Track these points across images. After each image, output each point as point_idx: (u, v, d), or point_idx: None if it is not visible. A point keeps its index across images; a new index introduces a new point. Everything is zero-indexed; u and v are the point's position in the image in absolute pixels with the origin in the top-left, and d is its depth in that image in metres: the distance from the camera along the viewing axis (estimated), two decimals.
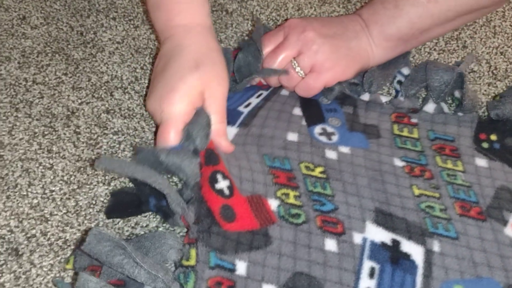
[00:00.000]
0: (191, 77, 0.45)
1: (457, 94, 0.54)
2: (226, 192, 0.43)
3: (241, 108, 0.52)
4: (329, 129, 0.51)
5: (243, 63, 0.51)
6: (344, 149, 0.49)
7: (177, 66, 0.46)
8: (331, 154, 0.49)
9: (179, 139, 0.44)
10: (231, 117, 0.50)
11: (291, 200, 0.45)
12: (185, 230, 0.44)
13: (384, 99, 0.55)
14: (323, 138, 0.50)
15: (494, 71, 0.60)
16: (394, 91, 0.57)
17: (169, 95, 0.44)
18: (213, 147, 0.46)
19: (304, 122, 0.51)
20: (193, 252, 0.40)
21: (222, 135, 0.47)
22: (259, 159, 0.47)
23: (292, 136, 0.50)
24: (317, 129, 0.51)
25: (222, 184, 0.43)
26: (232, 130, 0.50)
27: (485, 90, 0.58)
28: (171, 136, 0.44)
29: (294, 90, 0.53)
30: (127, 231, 0.44)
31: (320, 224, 0.43)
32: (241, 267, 0.40)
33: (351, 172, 0.47)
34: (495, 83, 0.58)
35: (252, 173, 0.46)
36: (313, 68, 0.50)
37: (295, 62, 0.51)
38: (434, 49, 0.62)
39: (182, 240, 0.41)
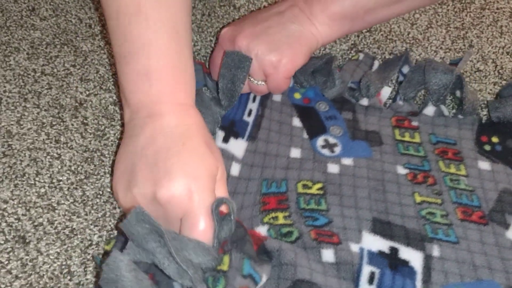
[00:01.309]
0: (211, 162, 0.39)
1: (458, 93, 0.54)
2: None
3: (245, 118, 0.51)
4: (332, 140, 0.51)
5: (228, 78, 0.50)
6: (347, 161, 0.49)
7: (193, 149, 0.39)
8: (333, 168, 0.48)
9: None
10: (240, 128, 0.50)
11: (281, 221, 0.44)
12: None
13: (384, 99, 0.55)
14: (326, 151, 0.50)
15: (500, 71, 0.60)
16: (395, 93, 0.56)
17: (196, 183, 0.38)
18: None
19: (305, 135, 0.51)
20: (226, 258, 0.38)
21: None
22: (256, 189, 0.46)
23: (295, 153, 0.49)
24: (320, 141, 0.50)
25: None
26: (243, 144, 0.49)
27: (491, 90, 0.58)
28: (210, 230, 0.39)
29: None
30: None
31: (314, 236, 0.43)
32: (262, 281, 0.39)
33: (351, 185, 0.47)
34: (500, 83, 0.58)
35: (240, 210, 0.45)
36: (267, 71, 0.49)
37: (250, 78, 0.50)
38: (441, 48, 0.62)
39: (217, 250, 0.39)
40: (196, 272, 0.36)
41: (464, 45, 0.62)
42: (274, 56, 0.49)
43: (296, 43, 0.50)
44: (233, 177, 0.47)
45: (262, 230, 0.44)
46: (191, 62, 0.44)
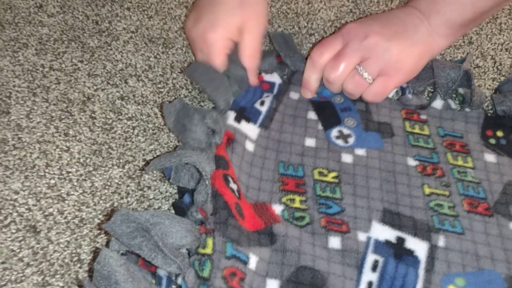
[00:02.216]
0: (233, 14, 0.50)
1: (461, 91, 0.56)
2: (236, 193, 0.45)
3: (257, 106, 0.53)
4: (346, 131, 0.52)
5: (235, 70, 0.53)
6: (360, 152, 0.50)
7: (224, 3, 0.51)
8: (347, 158, 0.50)
9: (223, 62, 0.51)
10: (252, 114, 0.52)
11: (297, 204, 0.46)
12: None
13: (391, 94, 0.56)
14: (340, 142, 0.51)
15: (499, 67, 0.61)
16: (399, 88, 0.58)
17: (211, 28, 0.50)
18: (222, 153, 0.47)
19: (320, 127, 0.52)
20: (209, 241, 0.40)
21: (250, 69, 0.52)
22: (273, 167, 0.48)
23: (310, 142, 0.51)
24: (334, 132, 0.52)
25: (233, 186, 0.45)
26: (255, 129, 0.51)
27: (489, 85, 0.59)
28: (218, 60, 0.51)
29: (359, 96, 0.53)
30: None
31: (324, 224, 0.45)
32: (253, 262, 0.41)
33: (364, 175, 0.48)
34: (499, 78, 0.60)
35: (260, 182, 0.47)
36: (382, 72, 0.50)
37: (361, 68, 0.50)
38: None
39: (198, 228, 0.42)
40: (184, 259, 0.38)
41: (464, 42, 0.63)
42: (400, 62, 0.50)
43: (420, 56, 0.51)
44: (248, 152, 0.49)
45: (277, 209, 0.45)
46: None
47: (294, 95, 0.55)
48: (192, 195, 0.43)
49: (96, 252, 0.43)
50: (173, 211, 0.46)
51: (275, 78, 0.56)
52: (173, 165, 0.43)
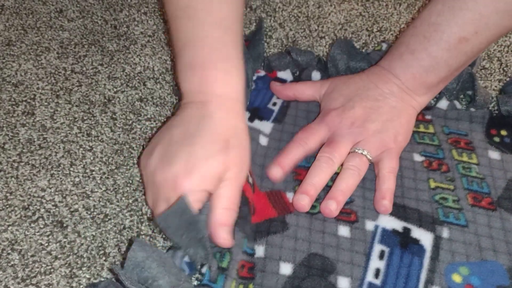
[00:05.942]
0: (217, 160, 0.41)
1: (468, 92, 0.57)
2: (252, 188, 0.47)
3: (270, 106, 0.56)
4: None
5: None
6: None
7: (205, 142, 0.42)
8: None
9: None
10: (265, 113, 0.55)
11: None
12: None
13: None
14: None
15: (504, 68, 0.63)
16: None
17: (186, 174, 0.40)
18: None
19: None
20: None
21: (224, 225, 0.42)
22: None
23: None
24: None
25: (250, 180, 0.47)
26: (268, 124, 0.54)
27: (496, 86, 0.61)
28: None
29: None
30: None
31: None
32: (259, 251, 0.44)
33: (372, 169, 0.50)
34: (505, 80, 0.61)
35: None
36: (387, 145, 0.49)
37: (359, 148, 0.48)
38: None
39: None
40: (211, 250, 0.42)
41: None
42: (391, 135, 0.50)
43: (406, 122, 0.51)
44: (262, 146, 0.51)
45: (292, 197, 0.48)
46: (237, 54, 0.45)
47: None
48: None
49: (120, 245, 0.45)
50: None
51: (287, 75, 0.59)
52: None
